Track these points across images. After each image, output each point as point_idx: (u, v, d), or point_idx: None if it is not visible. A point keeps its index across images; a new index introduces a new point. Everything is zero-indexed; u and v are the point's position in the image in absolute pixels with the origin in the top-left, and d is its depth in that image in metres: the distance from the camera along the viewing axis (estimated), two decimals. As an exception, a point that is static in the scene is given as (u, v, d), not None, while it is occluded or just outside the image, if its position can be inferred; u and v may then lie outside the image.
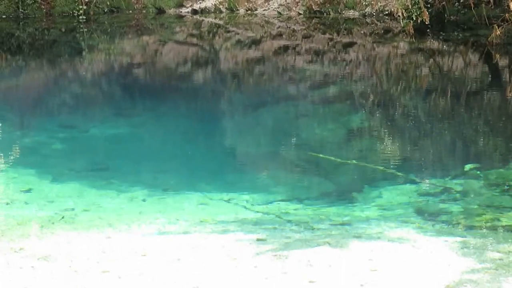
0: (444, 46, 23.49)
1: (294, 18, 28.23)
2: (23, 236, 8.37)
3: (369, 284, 6.70)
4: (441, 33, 24.28)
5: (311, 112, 16.04)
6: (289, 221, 9.22)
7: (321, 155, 12.25)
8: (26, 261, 7.37)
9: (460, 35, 24.06)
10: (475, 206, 9.82)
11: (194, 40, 26.37)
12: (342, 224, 9.08)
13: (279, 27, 27.33)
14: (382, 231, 8.55)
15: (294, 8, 28.59)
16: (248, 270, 7.11)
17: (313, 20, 27.82)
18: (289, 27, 27.15)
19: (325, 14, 28.03)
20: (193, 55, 23.99)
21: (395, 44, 23.95)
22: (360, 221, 9.26)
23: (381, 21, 26.91)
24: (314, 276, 6.89)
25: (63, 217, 9.39)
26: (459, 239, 8.14)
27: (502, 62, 21.02)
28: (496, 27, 21.21)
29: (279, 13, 28.68)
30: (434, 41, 23.98)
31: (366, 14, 27.55)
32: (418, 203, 10.05)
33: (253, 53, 23.84)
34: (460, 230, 8.80)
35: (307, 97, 17.49)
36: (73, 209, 9.85)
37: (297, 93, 18.02)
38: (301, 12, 28.43)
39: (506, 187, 10.55)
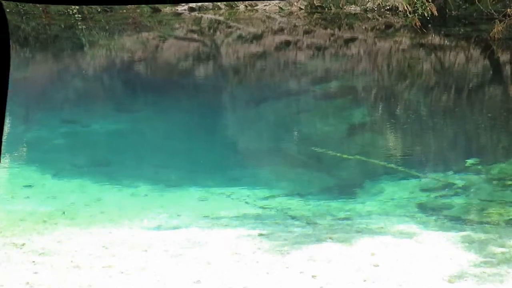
0: (446, 41, 23.46)
1: (295, 13, 28.21)
2: (25, 231, 8.36)
3: (372, 278, 6.70)
4: (443, 28, 24.26)
5: (312, 107, 16.03)
6: (291, 216, 9.22)
7: (323, 150, 12.24)
8: (28, 256, 7.37)
9: (462, 30, 24.05)
10: (477, 201, 9.81)
11: (195, 36, 26.36)
12: (344, 219, 9.07)
13: (280, 22, 27.31)
14: (384, 226, 8.54)
15: (295, 3, 28.57)
16: (249, 265, 7.10)
17: (315, 15, 27.80)
18: (291, 22, 27.13)
19: (326, 9, 28.01)
20: (194, 50, 23.97)
21: (397, 39, 23.92)
22: (362, 216, 9.26)
23: (383, 16, 26.88)
24: (316, 271, 6.88)
25: (64, 212, 9.40)
26: (461, 233, 8.14)
27: (504, 57, 21.01)
28: (498, 22, 21.20)
29: (281, 8, 28.66)
30: (435, 36, 23.96)
31: (368, 9, 27.53)
32: (420, 198, 10.05)
33: (254, 48, 23.83)
34: (462, 224, 8.79)
35: (308, 92, 17.47)
36: (74, 204, 9.85)
37: (299, 88, 18.01)
38: (303, 7, 28.42)
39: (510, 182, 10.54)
